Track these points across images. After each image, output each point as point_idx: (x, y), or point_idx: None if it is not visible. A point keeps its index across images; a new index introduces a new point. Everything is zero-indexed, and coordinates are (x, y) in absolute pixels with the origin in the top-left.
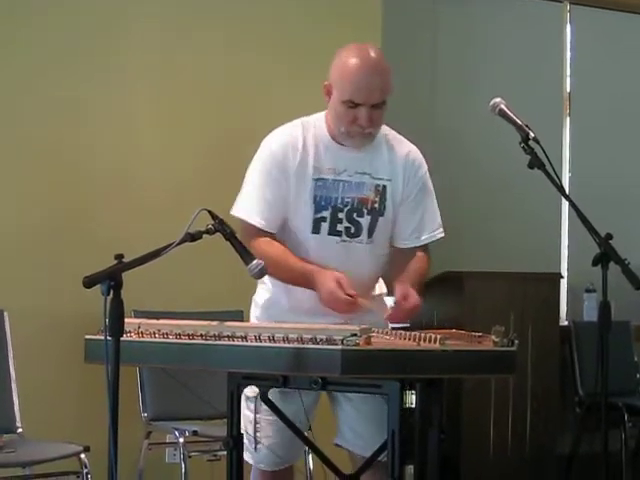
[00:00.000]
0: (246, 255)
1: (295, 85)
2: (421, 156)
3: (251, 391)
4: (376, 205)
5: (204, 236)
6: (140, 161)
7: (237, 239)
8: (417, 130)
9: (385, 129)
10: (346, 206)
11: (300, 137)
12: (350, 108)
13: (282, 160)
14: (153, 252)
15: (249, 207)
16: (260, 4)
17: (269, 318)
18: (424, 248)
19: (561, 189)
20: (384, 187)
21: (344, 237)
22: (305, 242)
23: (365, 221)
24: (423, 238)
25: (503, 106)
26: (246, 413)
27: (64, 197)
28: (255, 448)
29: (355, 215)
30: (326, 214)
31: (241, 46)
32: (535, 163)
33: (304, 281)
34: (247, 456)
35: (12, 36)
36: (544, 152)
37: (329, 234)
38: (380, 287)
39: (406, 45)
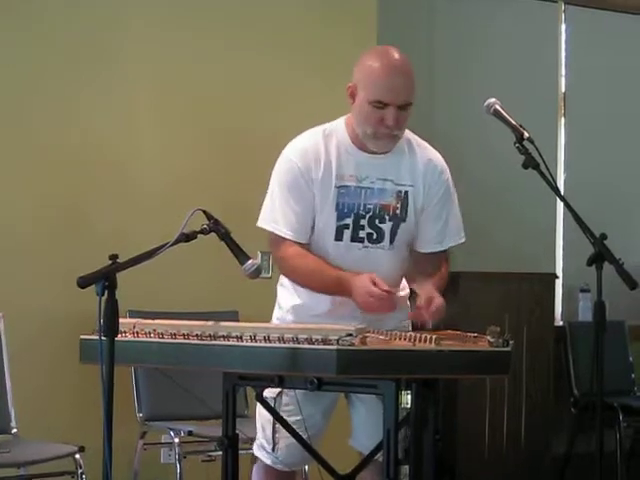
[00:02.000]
0: (241, 255)
1: (292, 84)
2: (443, 162)
3: (270, 392)
4: (398, 211)
5: (199, 236)
6: (138, 161)
7: (232, 239)
8: (412, 130)
9: (408, 134)
10: (368, 213)
11: (322, 145)
12: (377, 109)
13: (306, 171)
14: (147, 252)
15: (277, 219)
16: (258, 4)
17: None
18: (445, 252)
19: (556, 189)
20: (406, 193)
21: (366, 243)
22: (328, 249)
23: (387, 227)
24: (445, 243)
25: (498, 106)
26: (264, 413)
27: (59, 197)
28: (273, 449)
29: (377, 221)
30: (349, 221)
31: (239, 46)
32: (529, 163)
33: (339, 288)
34: (264, 456)
35: (14, 38)
36: (539, 152)
37: (352, 241)
38: (404, 288)
39: (401, 45)
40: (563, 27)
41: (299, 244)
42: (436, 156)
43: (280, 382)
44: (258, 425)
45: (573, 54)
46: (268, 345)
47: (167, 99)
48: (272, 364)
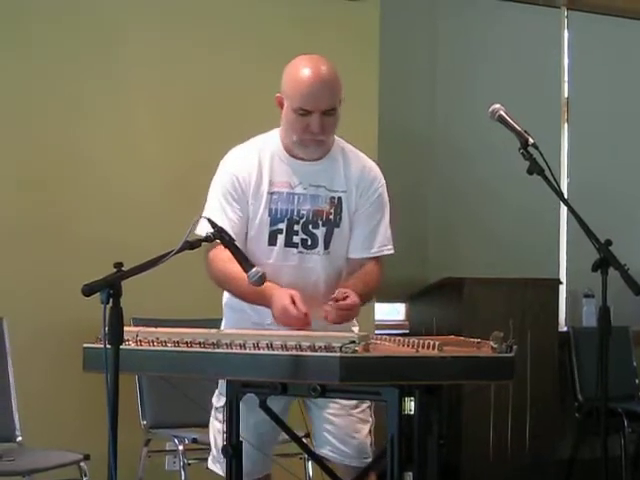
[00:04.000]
0: (245, 263)
1: None
2: (378, 171)
3: (219, 401)
4: (331, 217)
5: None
6: (137, 168)
7: (236, 247)
8: (417, 137)
9: (341, 142)
10: (302, 218)
11: (256, 155)
12: (301, 116)
13: (242, 180)
14: (152, 260)
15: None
16: (259, 14)
17: (233, 323)
18: (377, 261)
19: (560, 195)
20: (339, 199)
21: (300, 249)
22: (262, 254)
23: (320, 233)
24: (373, 250)
25: (502, 112)
26: (215, 424)
27: (62, 204)
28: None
29: (310, 227)
30: (282, 226)
31: (237, 55)
32: (534, 169)
33: (259, 298)
34: (219, 469)
35: (14, 42)
36: (543, 158)
37: (285, 246)
38: None
39: (404, 52)
40: (566, 33)
41: None
42: (370, 164)
43: (283, 389)
44: (211, 437)
45: (576, 60)
46: (271, 353)
47: (165, 104)
48: (275, 372)
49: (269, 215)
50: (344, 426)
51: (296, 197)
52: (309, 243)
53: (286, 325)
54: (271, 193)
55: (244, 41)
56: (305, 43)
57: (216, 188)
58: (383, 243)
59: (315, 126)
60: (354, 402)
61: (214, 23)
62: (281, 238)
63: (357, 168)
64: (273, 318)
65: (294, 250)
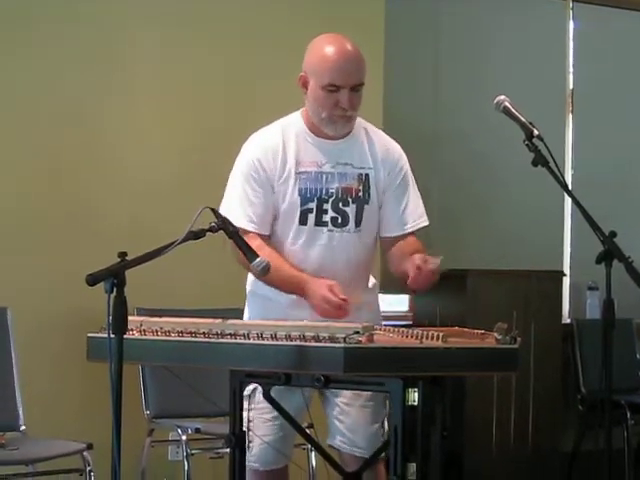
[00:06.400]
0: (249, 253)
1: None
2: (400, 149)
3: (245, 389)
4: (360, 194)
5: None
6: (142, 159)
7: (240, 237)
8: (420, 128)
9: (362, 122)
10: (331, 197)
11: (280, 137)
12: (331, 92)
13: (265, 163)
14: (156, 250)
15: (237, 211)
16: (261, 8)
17: (257, 310)
18: (416, 236)
19: (565, 187)
20: (367, 175)
21: (330, 227)
22: (293, 233)
23: (351, 210)
24: (407, 227)
25: (507, 103)
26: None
27: (66, 194)
28: (248, 447)
29: (341, 204)
30: (312, 205)
31: (239, 48)
32: (539, 161)
33: (295, 287)
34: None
35: (17, 46)
36: (548, 150)
37: (316, 225)
38: (372, 280)
39: (408, 43)
40: (571, 24)
41: (259, 235)
42: (393, 143)
43: (287, 380)
44: None
45: (581, 51)
46: (275, 343)
47: (170, 98)
48: (279, 362)
49: (299, 195)
50: (356, 415)
51: (324, 176)
52: (339, 221)
53: (325, 315)
54: (299, 173)
55: (243, 33)
56: (309, 36)
57: (238, 173)
58: (415, 217)
59: (345, 102)
60: (369, 393)
61: (215, 19)
62: (311, 217)
63: (381, 147)
64: (311, 308)
65: (324, 229)
